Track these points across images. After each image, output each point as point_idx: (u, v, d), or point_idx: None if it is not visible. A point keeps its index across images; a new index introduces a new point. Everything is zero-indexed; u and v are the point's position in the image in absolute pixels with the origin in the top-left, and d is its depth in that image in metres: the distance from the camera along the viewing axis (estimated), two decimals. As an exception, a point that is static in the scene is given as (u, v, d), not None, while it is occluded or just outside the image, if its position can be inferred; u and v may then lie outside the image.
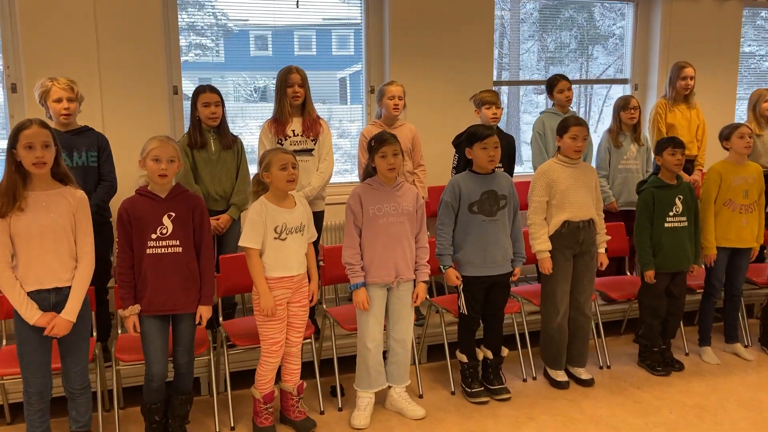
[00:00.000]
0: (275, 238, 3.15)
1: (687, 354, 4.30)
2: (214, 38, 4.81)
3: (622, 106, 4.62)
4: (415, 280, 3.47)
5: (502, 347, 3.78)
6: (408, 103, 4.32)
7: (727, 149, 4.12)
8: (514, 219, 3.69)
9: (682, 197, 3.92)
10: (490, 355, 3.74)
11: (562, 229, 3.73)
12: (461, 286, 3.61)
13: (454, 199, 3.58)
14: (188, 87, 4.56)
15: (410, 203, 3.41)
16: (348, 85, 5.24)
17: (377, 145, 3.35)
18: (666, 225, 3.90)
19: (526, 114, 5.74)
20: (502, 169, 4.35)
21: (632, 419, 3.46)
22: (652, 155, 4.79)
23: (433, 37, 4.93)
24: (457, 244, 3.60)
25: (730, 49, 5.75)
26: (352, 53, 5.14)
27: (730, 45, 5.75)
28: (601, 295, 4.30)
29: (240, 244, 3.16)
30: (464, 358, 3.71)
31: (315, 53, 5.13)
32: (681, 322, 4.32)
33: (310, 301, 3.31)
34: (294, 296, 3.24)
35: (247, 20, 4.81)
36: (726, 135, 4.10)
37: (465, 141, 3.61)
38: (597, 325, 4.24)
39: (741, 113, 6.19)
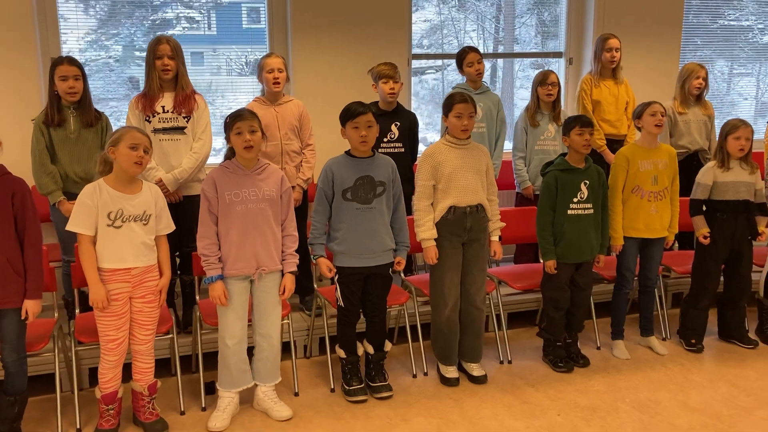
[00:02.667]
0: (108, 225, 2.88)
1: (598, 348, 4.05)
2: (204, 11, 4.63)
3: (540, 81, 4.30)
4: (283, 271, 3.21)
5: (386, 341, 3.53)
6: (313, 77, 4.04)
7: (639, 128, 3.82)
8: (396, 207, 3.41)
9: (588, 182, 3.63)
10: (371, 350, 3.49)
11: (448, 215, 3.45)
12: (336, 277, 3.35)
13: (327, 185, 3.29)
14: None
15: (273, 187, 3.12)
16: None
17: (231, 121, 3.05)
18: (569, 212, 3.61)
19: (522, 89, 5.43)
20: (404, 150, 4.09)
21: (512, 422, 3.21)
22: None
23: (340, 4, 4.60)
24: (331, 232, 3.33)
25: (671, 21, 5.39)
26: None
27: (672, 17, 5.39)
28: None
29: (67, 228, 2.89)
30: (342, 354, 3.46)
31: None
32: (593, 314, 4.09)
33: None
34: (136, 291, 2.97)
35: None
36: (638, 113, 3.79)
37: (340, 119, 3.32)
38: (499, 316, 3.99)
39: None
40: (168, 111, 3.58)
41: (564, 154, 3.68)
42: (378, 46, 4.67)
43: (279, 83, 3.84)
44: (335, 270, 3.32)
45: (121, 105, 4.51)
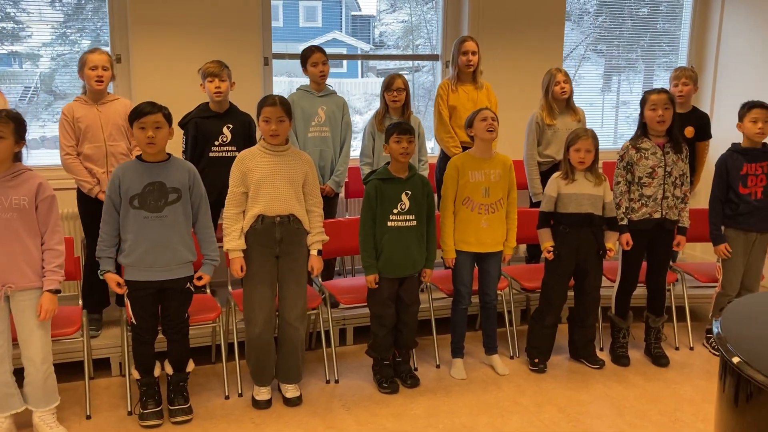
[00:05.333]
0: None
1: (438, 366, 3.84)
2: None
3: (386, 86, 4.08)
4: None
5: (190, 361, 3.28)
6: (156, 77, 3.78)
7: (472, 137, 3.62)
8: (197, 215, 3.17)
9: (410, 193, 3.41)
10: (170, 370, 3.24)
11: (256, 225, 3.21)
12: (126, 293, 3.10)
13: (113, 192, 3.04)
14: None
15: (25, 196, 2.85)
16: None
17: None
18: (389, 224, 3.40)
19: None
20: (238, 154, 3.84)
21: (305, 451, 2.99)
22: (427, 142, 4.31)
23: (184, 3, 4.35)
24: (121, 244, 3.08)
25: (553, 22, 5.21)
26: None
27: (554, 18, 5.21)
28: (332, 299, 3.80)
29: None
30: (137, 375, 3.20)
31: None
32: (434, 331, 3.89)
33: None
34: None
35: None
36: (469, 120, 3.59)
37: (129, 119, 3.07)
38: (328, 332, 3.77)
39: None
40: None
41: (388, 163, 3.47)
42: (227, 46, 4.42)
43: (102, 81, 3.59)
44: (125, 286, 3.07)
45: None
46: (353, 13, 5.37)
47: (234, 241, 3.21)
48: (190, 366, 3.28)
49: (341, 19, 5.36)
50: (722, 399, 1.86)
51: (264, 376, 3.38)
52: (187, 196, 3.10)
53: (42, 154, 4.40)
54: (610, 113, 5.99)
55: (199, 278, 3.18)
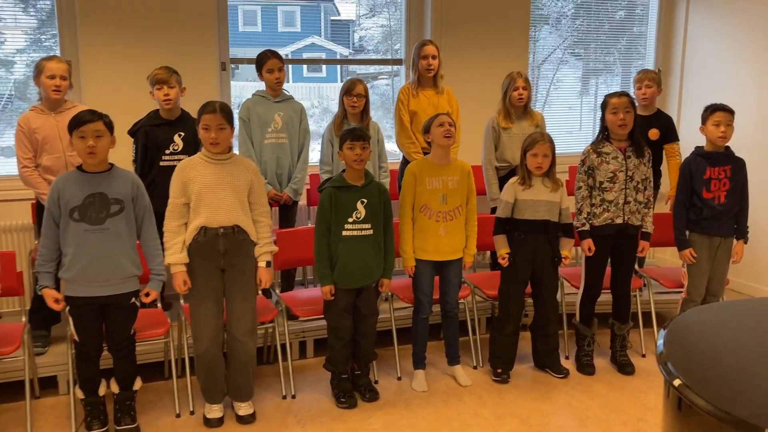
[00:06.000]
0: None
1: (399, 378, 3.74)
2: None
3: (345, 90, 3.98)
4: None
5: (137, 379, 3.16)
6: (108, 81, 3.63)
7: (429, 143, 3.53)
8: (141, 227, 3.05)
9: (366, 201, 3.32)
10: (116, 389, 3.11)
11: (199, 237, 3.10)
12: (66, 309, 2.97)
13: (53, 204, 2.91)
14: None
15: None
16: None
17: None
18: (344, 233, 3.29)
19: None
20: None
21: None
22: (387, 147, 4.23)
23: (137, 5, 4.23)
24: (61, 258, 2.95)
25: (518, 27, 5.15)
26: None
27: (518, 22, 5.15)
28: (288, 312, 3.69)
29: None
30: (81, 394, 3.07)
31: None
32: (395, 341, 3.79)
33: None
34: None
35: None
36: (426, 126, 3.50)
37: (68, 128, 2.94)
38: (284, 346, 3.65)
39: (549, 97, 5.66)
40: None
41: (344, 170, 3.37)
42: (182, 51, 4.31)
43: (59, 91, 3.50)
44: (63, 302, 2.94)
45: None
46: (333, 17, 5.31)
47: (175, 255, 3.09)
48: (138, 384, 3.16)
49: (320, 24, 5.30)
50: (667, 404, 1.77)
51: (214, 393, 3.25)
52: (130, 207, 2.98)
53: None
54: (588, 116, 5.95)
55: (147, 294, 3.06)
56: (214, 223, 3.09)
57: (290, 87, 4.49)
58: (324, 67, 5.40)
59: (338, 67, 5.26)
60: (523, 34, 5.18)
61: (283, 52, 4.86)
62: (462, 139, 4.64)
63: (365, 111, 4.00)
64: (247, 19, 4.98)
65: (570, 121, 5.88)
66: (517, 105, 4.21)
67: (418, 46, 4.20)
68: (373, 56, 5.18)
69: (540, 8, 5.46)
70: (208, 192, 3.08)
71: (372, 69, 5.34)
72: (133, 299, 3.04)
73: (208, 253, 3.10)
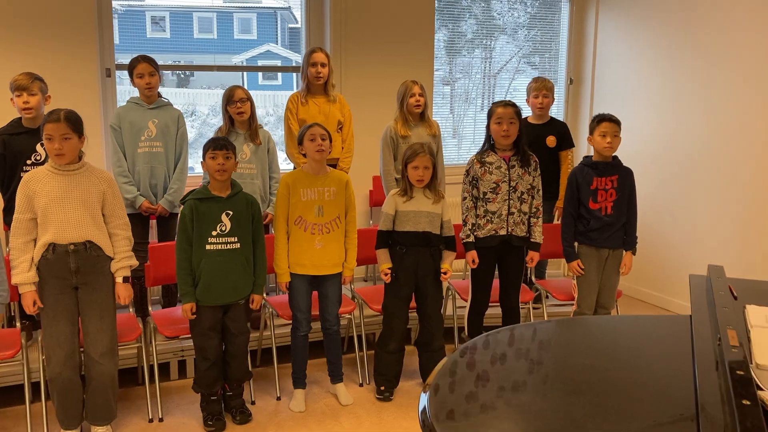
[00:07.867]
0: None
1: (279, 398, 3.58)
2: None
3: (227, 99, 3.79)
4: None
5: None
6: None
7: (305, 155, 3.38)
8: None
9: (231, 213, 3.16)
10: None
11: (48, 254, 2.90)
12: None
13: None
14: None
15: None
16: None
17: None
18: (208, 247, 3.13)
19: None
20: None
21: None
22: (279, 156, 4.08)
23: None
24: None
25: (421, 35, 5.06)
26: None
27: (422, 30, 5.06)
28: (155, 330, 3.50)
29: None
30: None
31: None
32: (275, 360, 3.64)
33: None
34: None
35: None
36: (300, 137, 3.36)
37: None
38: (152, 367, 3.46)
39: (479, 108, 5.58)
40: None
41: (208, 182, 3.21)
42: (61, 56, 4.10)
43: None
44: None
45: None
46: (290, 25, 5.17)
47: (23, 274, 2.88)
48: (-21, 411, 2.94)
49: (276, 31, 5.19)
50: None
51: (70, 418, 3.05)
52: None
53: None
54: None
55: (-14, 311, 2.86)
56: (63, 240, 2.89)
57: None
58: (280, 75, 5.30)
59: (294, 74, 5.10)
60: (428, 41, 5.09)
61: (239, 59, 4.91)
62: (364, 148, 4.55)
63: (252, 117, 3.83)
64: (203, 26, 4.84)
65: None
66: (414, 112, 4.09)
67: (307, 54, 4.05)
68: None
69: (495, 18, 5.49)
70: (55, 206, 2.88)
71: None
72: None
73: (58, 271, 2.91)
